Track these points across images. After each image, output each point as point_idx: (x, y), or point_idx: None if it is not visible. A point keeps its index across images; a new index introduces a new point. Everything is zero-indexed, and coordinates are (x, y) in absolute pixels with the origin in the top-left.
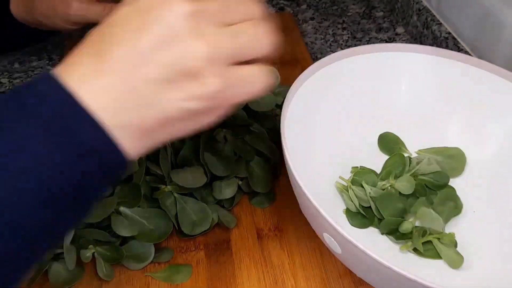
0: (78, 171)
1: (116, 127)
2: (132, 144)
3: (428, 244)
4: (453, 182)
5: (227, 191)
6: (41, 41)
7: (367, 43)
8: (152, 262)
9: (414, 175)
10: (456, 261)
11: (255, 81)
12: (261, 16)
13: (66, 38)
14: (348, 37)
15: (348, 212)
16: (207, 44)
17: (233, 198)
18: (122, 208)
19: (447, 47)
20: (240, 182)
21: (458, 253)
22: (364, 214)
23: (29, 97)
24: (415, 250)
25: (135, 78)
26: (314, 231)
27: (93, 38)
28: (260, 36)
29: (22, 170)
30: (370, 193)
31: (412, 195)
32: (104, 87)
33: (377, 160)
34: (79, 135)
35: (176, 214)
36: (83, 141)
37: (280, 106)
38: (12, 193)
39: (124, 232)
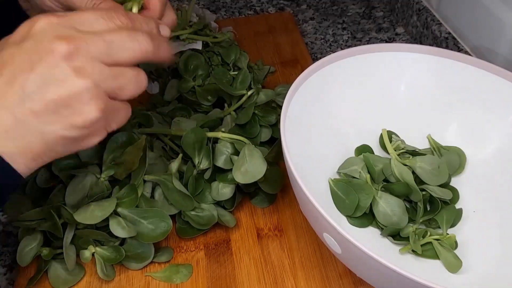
0: None
1: (5, 153)
2: (22, 165)
3: (428, 244)
4: (453, 182)
5: (225, 191)
6: None
7: (367, 43)
8: (152, 262)
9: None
10: (455, 266)
11: (123, 112)
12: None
13: None
14: (348, 37)
15: None
16: (86, 81)
17: (233, 199)
18: (120, 209)
19: (447, 47)
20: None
21: (457, 257)
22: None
23: None
24: (415, 250)
25: (23, 112)
26: (314, 231)
27: None
28: (136, 80)
29: None
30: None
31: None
32: None
33: None
34: None
35: None
36: None
37: (280, 106)
38: None
39: (122, 234)
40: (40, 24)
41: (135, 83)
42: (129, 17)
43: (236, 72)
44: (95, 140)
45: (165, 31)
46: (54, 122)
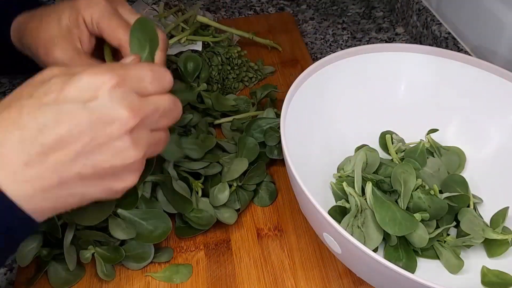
0: None
1: (35, 210)
2: (42, 218)
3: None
4: None
5: (221, 196)
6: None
7: (367, 43)
8: (152, 262)
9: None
10: (456, 266)
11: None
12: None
13: None
14: (348, 37)
15: None
16: (140, 153)
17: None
18: (119, 210)
19: (447, 47)
20: (238, 183)
21: (458, 258)
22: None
23: None
24: (415, 250)
25: (69, 175)
26: (314, 231)
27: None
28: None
29: None
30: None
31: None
32: (34, 178)
33: None
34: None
35: None
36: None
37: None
38: None
39: (121, 235)
40: (105, 87)
41: (165, 142)
42: (169, 77)
43: (237, 72)
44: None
45: None
46: (96, 186)
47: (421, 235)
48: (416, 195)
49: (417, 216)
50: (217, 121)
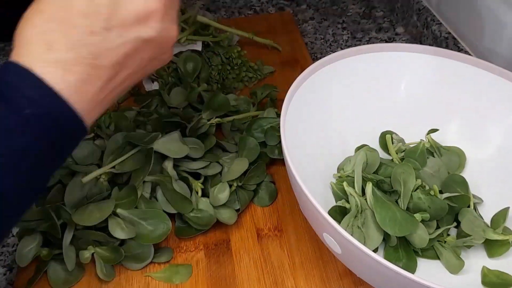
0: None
1: (66, 88)
2: (87, 106)
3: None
4: None
5: (221, 196)
6: None
7: (367, 43)
8: (151, 262)
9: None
10: (456, 266)
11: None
12: None
13: None
14: (348, 37)
15: None
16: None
17: (238, 200)
18: (119, 210)
19: (447, 47)
20: (238, 184)
21: (459, 258)
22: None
23: None
24: (415, 250)
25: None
26: (314, 231)
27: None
28: None
29: None
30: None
31: None
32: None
33: None
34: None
35: None
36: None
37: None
38: None
39: (121, 235)
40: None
41: None
42: None
43: (237, 72)
44: (160, 61)
45: None
46: (121, 37)
47: (421, 236)
48: (416, 195)
49: (417, 216)
50: (217, 121)
